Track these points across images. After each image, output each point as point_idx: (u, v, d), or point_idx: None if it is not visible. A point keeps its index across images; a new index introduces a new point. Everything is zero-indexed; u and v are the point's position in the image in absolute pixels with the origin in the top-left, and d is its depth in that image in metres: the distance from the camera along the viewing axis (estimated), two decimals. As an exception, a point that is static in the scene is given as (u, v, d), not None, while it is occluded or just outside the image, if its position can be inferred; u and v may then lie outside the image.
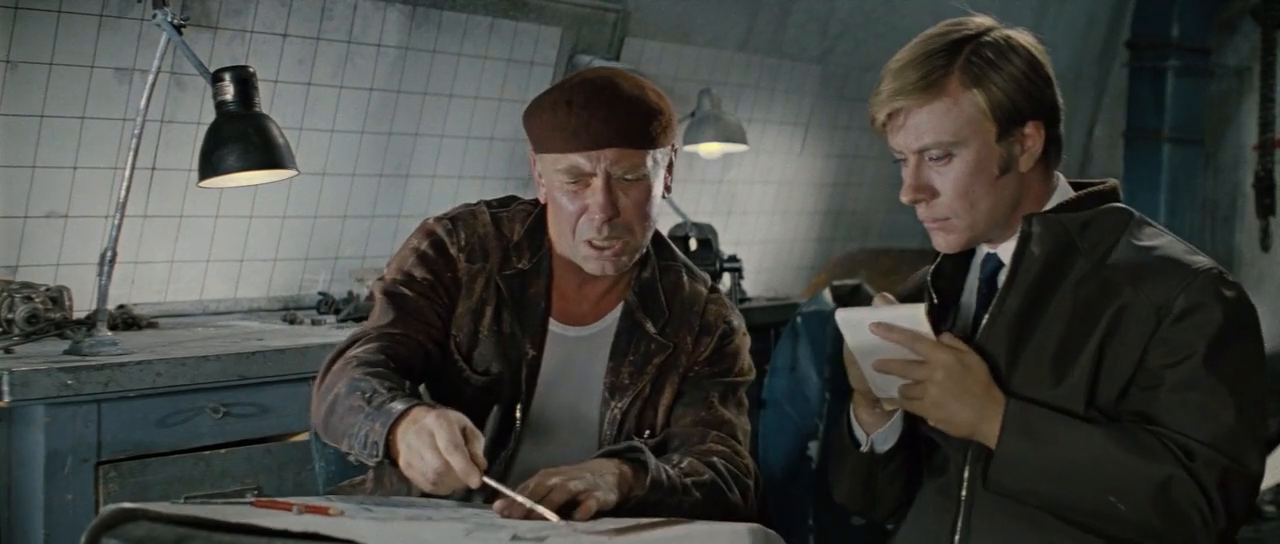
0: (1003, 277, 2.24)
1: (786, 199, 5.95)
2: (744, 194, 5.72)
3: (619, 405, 2.52)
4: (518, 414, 2.50)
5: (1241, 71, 7.42)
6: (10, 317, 3.35)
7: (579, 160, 2.42)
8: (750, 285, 5.28)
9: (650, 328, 2.55)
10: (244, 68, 3.14)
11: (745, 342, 2.65)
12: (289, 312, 4.11)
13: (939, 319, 2.30)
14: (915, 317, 2.14)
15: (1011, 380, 2.19)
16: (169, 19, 3.19)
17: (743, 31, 5.34)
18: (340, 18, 4.06)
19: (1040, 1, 6.55)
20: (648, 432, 2.53)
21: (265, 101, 3.21)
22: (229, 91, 3.11)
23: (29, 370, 2.94)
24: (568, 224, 2.47)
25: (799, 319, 4.90)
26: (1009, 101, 2.19)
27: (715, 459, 2.46)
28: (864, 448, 2.35)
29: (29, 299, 3.36)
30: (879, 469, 2.38)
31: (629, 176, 2.44)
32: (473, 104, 4.49)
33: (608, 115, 2.41)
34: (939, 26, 2.27)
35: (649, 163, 2.45)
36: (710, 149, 5.01)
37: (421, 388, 2.51)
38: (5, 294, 3.37)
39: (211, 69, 3.15)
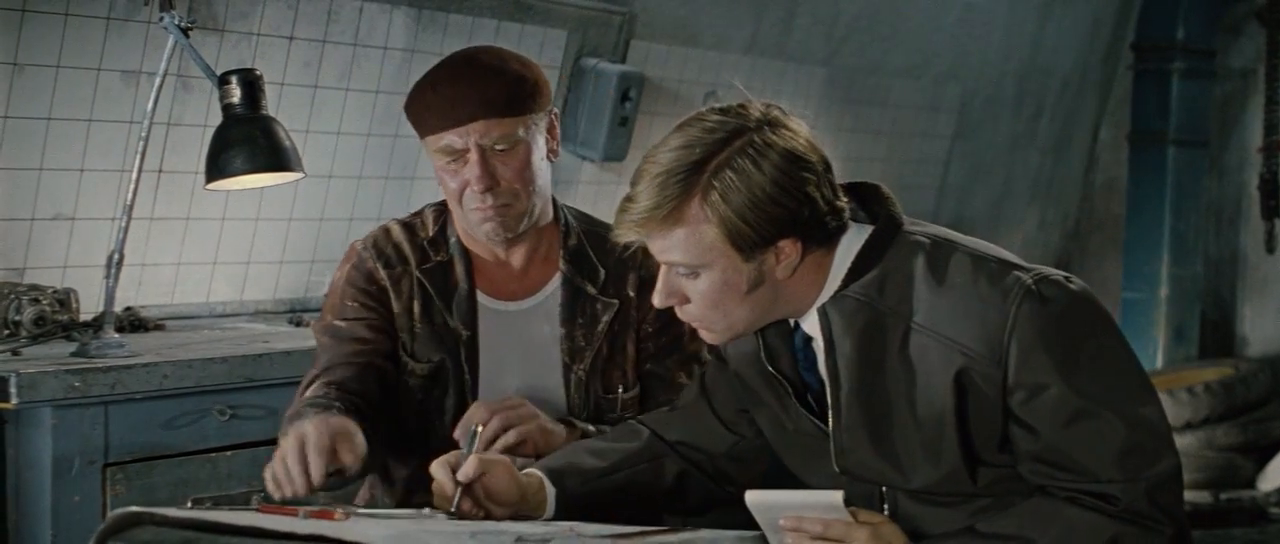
0: (822, 367, 2.16)
1: (792, 201, 5.94)
2: (749, 196, 5.71)
3: (581, 368, 2.60)
4: (468, 394, 2.59)
5: (1246, 73, 7.41)
6: (17, 319, 3.36)
7: (451, 138, 2.51)
8: (755, 287, 5.27)
9: (592, 289, 2.63)
10: (250, 70, 3.15)
11: None
12: (295, 314, 4.11)
13: (799, 396, 2.23)
14: (833, 503, 2.04)
15: (893, 482, 2.13)
16: (175, 22, 3.19)
17: (748, 34, 5.34)
18: (346, 20, 4.07)
19: (1044, 4, 6.55)
20: (620, 387, 2.62)
21: (271, 104, 3.22)
22: (235, 94, 3.12)
23: (36, 372, 2.95)
24: (454, 200, 2.57)
25: (804, 321, 4.89)
26: (751, 231, 2.04)
27: None
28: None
29: (36, 301, 3.37)
30: None
31: (501, 146, 2.51)
32: (478, 106, 4.49)
33: (469, 90, 2.50)
34: (695, 123, 2.10)
35: (520, 130, 2.52)
36: (715, 151, 5.01)
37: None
38: (12, 296, 3.37)
39: (218, 72, 3.16)
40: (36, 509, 3.02)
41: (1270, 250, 7.20)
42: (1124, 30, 7.29)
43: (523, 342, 2.63)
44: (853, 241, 2.14)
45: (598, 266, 2.65)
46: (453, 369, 2.59)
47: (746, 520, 2.12)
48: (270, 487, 2.23)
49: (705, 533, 2.15)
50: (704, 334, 2.18)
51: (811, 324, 2.15)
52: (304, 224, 4.19)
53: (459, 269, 2.62)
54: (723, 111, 2.10)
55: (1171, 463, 2.06)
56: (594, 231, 2.68)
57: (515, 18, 4.48)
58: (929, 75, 6.21)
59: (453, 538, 2.01)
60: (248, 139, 3.10)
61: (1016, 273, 2.07)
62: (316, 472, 2.20)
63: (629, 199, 2.08)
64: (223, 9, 3.78)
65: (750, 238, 2.04)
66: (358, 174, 4.27)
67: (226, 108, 3.12)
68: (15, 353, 3.18)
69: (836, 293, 2.12)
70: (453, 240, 2.64)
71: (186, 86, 3.75)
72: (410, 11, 4.21)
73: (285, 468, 2.20)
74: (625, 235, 2.09)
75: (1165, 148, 7.20)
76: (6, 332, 3.36)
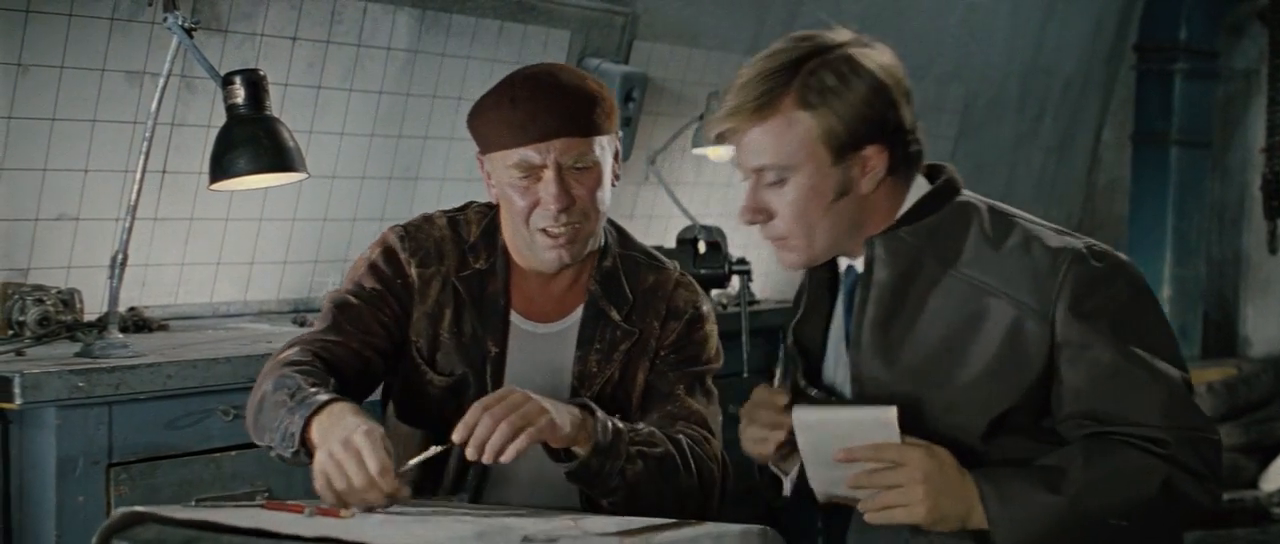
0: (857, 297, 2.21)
1: (794, 202, 5.95)
2: (752, 197, 5.71)
3: (589, 394, 2.53)
4: None
5: (1249, 74, 7.41)
6: (21, 319, 3.36)
7: (529, 153, 2.46)
8: (759, 288, 5.28)
9: (615, 316, 2.57)
10: (254, 71, 3.15)
11: (713, 329, 2.65)
12: (299, 314, 4.11)
13: (811, 372, 2.28)
14: (886, 421, 2.06)
15: (906, 411, 2.14)
16: (180, 22, 3.19)
17: (751, 35, 5.34)
18: (350, 21, 4.07)
19: (1047, 4, 6.55)
20: (618, 414, 2.51)
21: (275, 104, 3.22)
22: (239, 95, 3.11)
23: (40, 373, 2.95)
24: (521, 218, 2.50)
25: (807, 322, 4.89)
26: (843, 128, 2.13)
27: (681, 438, 2.46)
28: (787, 491, 2.34)
29: (40, 302, 3.37)
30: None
31: (579, 165, 2.47)
32: (482, 107, 4.50)
33: (552, 106, 2.45)
34: (787, 39, 2.20)
35: (597, 150, 2.49)
36: (718, 152, 5.01)
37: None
38: (16, 297, 3.38)
39: (222, 72, 3.16)
40: (40, 510, 3.02)
41: (1273, 251, 7.20)
42: (1126, 31, 7.29)
43: (545, 364, 2.57)
44: (918, 192, 2.22)
45: (627, 295, 2.59)
46: (475, 384, 2.53)
47: (750, 515, 2.13)
48: (327, 494, 2.16)
49: (710, 526, 2.16)
50: (785, 256, 2.22)
51: (861, 261, 2.22)
52: (308, 224, 4.19)
53: (498, 282, 2.57)
54: (811, 34, 2.21)
55: (1216, 435, 2.13)
56: (630, 256, 2.63)
57: (518, 18, 4.49)
58: (932, 76, 6.21)
59: (457, 538, 2.01)
60: (251, 139, 3.10)
61: (1068, 238, 2.17)
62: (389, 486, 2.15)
63: (723, 99, 2.16)
64: (226, 10, 3.79)
65: (841, 137, 2.12)
66: (361, 175, 4.28)
67: (230, 108, 3.12)
68: (19, 353, 3.18)
69: (888, 229, 2.19)
70: (498, 250, 2.58)
71: (190, 87, 3.76)
72: (413, 12, 4.21)
73: (350, 478, 2.13)
74: (718, 128, 2.16)
75: (1168, 148, 7.20)
76: (11, 332, 3.37)
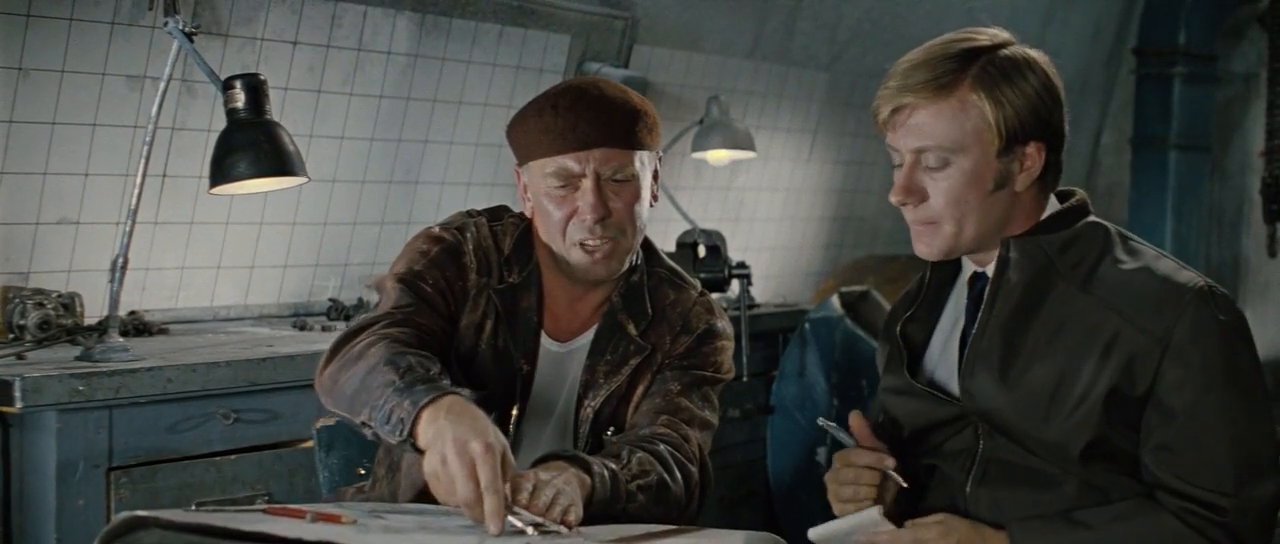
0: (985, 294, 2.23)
1: (794, 206, 5.96)
2: (752, 201, 5.73)
3: (592, 403, 2.51)
4: (511, 429, 2.49)
5: (1248, 78, 7.41)
6: (22, 323, 3.37)
7: (568, 162, 2.43)
8: (759, 292, 5.29)
9: (632, 330, 2.55)
10: (254, 75, 3.15)
11: (727, 346, 2.62)
12: (299, 318, 4.12)
13: (913, 366, 2.31)
14: (873, 519, 2.18)
15: (1006, 418, 2.18)
16: (180, 26, 3.20)
17: (751, 39, 5.35)
18: (350, 25, 4.08)
19: (1047, 7, 6.56)
20: (612, 428, 2.51)
21: (275, 109, 3.23)
22: (240, 99, 3.12)
23: (41, 376, 2.96)
24: (557, 229, 2.47)
25: (807, 326, 4.90)
26: (1017, 117, 2.15)
27: (661, 446, 2.42)
28: None
29: (40, 305, 3.38)
30: None
31: (618, 177, 2.45)
32: (482, 111, 4.50)
33: (595, 116, 2.43)
34: (956, 33, 2.22)
35: (636, 164, 2.47)
36: (718, 156, 5.02)
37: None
38: (17, 300, 3.38)
39: (222, 76, 3.16)
40: (41, 513, 3.03)
41: (1272, 254, 7.20)
42: (1125, 34, 7.30)
43: (562, 378, 2.55)
44: (1051, 209, 2.26)
45: (646, 310, 2.56)
46: (502, 399, 2.48)
47: (751, 518, 2.14)
48: (448, 497, 2.07)
49: (716, 533, 2.16)
50: (929, 242, 2.22)
51: (991, 265, 2.24)
52: (308, 228, 4.19)
53: (531, 298, 2.52)
54: (979, 30, 2.23)
55: (1275, 483, 2.13)
56: (656, 273, 2.61)
57: (518, 23, 4.49)
58: (931, 80, 6.20)
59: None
60: (252, 143, 3.10)
61: (1192, 275, 2.18)
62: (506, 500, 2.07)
63: (894, 76, 2.17)
64: (227, 14, 3.79)
65: (1014, 124, 2.15)
66: (361, 178, 4.28)
67: (230, 112, 3.13)
68: (20, 357, 3.18)
69: (1024, 234, 2.22)
70: (531, 264, 2.54)
71: (191, 91, 3.76)
72: (413, 17, 4.22)
73: (487, 503, 2.04)
74: (891, 104, 2.18)
75: (1167, 152, 7.20)
76: (11, 335, 3.37)
